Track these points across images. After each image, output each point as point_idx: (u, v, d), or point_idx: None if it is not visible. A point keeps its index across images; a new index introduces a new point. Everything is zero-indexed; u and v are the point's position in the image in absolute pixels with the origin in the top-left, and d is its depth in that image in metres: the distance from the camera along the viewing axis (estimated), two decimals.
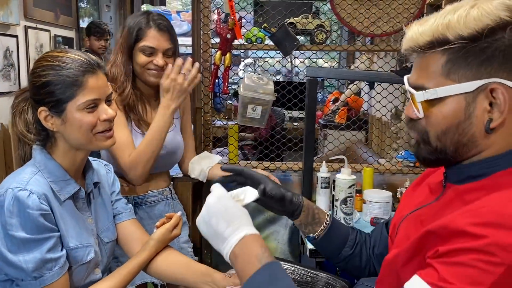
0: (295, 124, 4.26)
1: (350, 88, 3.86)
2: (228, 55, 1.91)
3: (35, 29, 3.42)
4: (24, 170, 1.12)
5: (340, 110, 3.78)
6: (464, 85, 0.73)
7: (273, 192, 1.02)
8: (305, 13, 2.21)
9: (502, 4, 0.70)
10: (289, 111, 4.05)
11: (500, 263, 0.62)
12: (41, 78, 1.08)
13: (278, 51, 1.97)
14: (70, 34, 4.09)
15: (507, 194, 0.70)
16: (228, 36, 1.86)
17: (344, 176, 1.66)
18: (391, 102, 2.21)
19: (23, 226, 1.03)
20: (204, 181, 1.78)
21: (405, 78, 0.82)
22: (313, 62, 2.16)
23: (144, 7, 5.51)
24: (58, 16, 3.80)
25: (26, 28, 3.29)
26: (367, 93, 3.64)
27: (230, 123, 2.09)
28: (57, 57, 1.10)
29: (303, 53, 2.04)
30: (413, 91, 0.78)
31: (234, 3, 1.85)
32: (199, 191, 2.00)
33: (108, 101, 1.14)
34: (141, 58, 1.52)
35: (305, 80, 4.71)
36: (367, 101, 3.75)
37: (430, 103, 0.77)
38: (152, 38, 1.51)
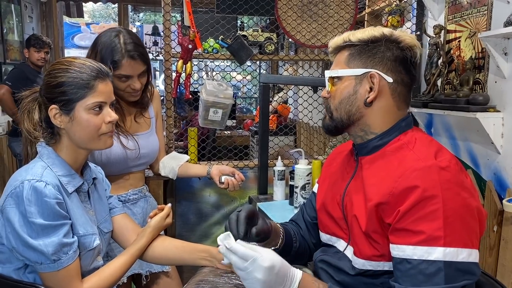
0: (227, 132, 4.45)
1: (279, 96, 4.16)
2: (189, 63, 2.09)
3: None
4: (34, 165, 1.20)
5: (270, 118, 4.06)
6: (355, 70, 1.09)
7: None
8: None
9: (389, 29, 1.10)
10: None
11: (438, 200, 0.93)
12: (56, 79, 1.20)
13: (233, 60, 2.19)
14: None
15: (411, 152, 1.03)
16: (190, 46, 2.04)
17: (302, 166, 1.92)
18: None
19: (41, 213, 1.12)
20: (174, 178, 1.93)
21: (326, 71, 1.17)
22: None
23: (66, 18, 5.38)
24: None
25: None
26: (296, 100, 3.99)
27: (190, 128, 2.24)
28: (73, 62, 1.23)
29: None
30: (326, 72, 1.14)
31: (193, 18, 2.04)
32: (169, 188, 2.15)
33: (112, 105, 1.27)
34: (119, 85, 1.60)
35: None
36: (296, 108, 4.08)
37: (334, 83, 1.13)
38: (126, 67, 1.58)
